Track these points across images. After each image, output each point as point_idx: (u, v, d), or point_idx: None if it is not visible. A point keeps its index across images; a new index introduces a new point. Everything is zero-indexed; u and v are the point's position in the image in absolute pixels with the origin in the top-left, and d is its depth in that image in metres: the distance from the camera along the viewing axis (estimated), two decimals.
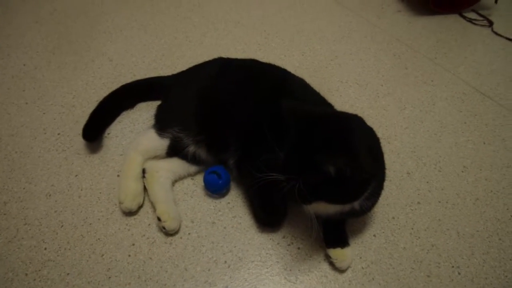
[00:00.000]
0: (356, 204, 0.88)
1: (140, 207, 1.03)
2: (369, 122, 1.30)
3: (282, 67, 1.19)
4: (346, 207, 0.88)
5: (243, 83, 1.09)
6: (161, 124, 1.10)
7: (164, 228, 0.97)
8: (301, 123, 0.80)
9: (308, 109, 0.84)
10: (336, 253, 0.95)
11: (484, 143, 1.32)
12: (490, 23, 1.91)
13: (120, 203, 1.00)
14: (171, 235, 0.99)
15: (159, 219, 0.97)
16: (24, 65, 1.45)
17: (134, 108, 1.29)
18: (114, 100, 1.23)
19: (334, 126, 0.81)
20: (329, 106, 1.08)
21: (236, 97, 1.06)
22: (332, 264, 0.96)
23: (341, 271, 0.95)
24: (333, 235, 0.99)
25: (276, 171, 0.79)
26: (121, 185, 1.03)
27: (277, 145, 0.82)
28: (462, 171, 1.22)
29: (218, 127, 1.05)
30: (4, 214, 1.01)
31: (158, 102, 1.22)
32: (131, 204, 1.00)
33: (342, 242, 0.96)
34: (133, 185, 1.02)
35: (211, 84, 1.11)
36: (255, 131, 0.98)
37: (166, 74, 1.33)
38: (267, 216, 1.02)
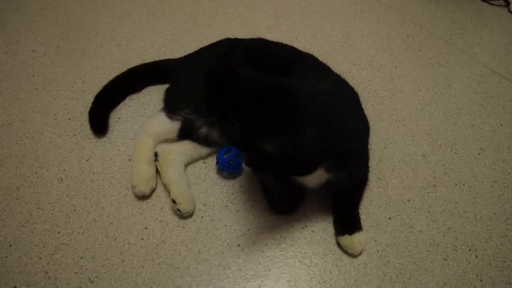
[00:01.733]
0: (329, 177, 0.88)
1: (153, 191, 1.02)
2: (383, 104, 1.30)
3: None
4: (320, 179, 0.89)
5: (252, 61, 1.07)
6: (171, 107, 1.08)
7: (179, 210, 0.96)
8: (255, 95, 0.79)
9: (264, 80, 0.80)
10: (344, 240, 0.93)
11: (502, 125, 1.29)
12: (507, 3, 1.86)
13: (133, 187, 1.00)
14: (184, 218, 0.98)
15: (174, 201, 0.96)
16: (33, 51, 1.44)
17: (144, 92, 1.28)
18: (119, 83, 1.22)
19: (285, 100, 0.78)
20: (339, 78, 1.07)
21: None
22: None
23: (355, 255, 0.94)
24: (341, 221, 0.97)
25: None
26: (134, 169, 1.03)
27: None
28: (479, 154, 1.19)
29: None
30: (17, 198, 1.01)
31: (167, 86, 1.20)
32: (144, 188, 0.99)
33: (349, 228, 0.94)
34: (145, 168, 1.01)
35: (220, 64, 1.10)
36: None
37: None
38: (279, 205, 1.01)
